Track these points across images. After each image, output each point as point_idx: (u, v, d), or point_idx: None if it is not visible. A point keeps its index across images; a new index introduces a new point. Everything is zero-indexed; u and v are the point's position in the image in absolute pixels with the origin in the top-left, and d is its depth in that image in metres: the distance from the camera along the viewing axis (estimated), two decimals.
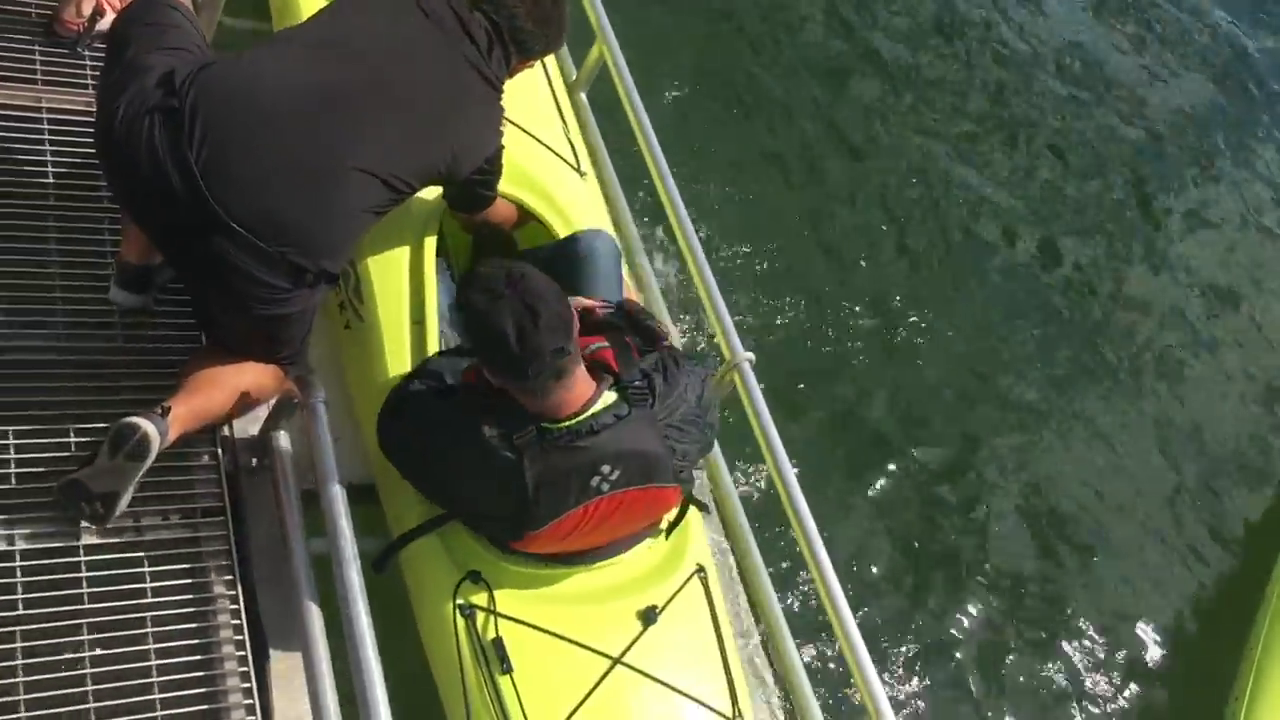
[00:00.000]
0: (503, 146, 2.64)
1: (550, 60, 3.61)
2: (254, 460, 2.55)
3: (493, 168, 2.63)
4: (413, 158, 2.41)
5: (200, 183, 2.14)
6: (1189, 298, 6.21)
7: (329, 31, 2.42)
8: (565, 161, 3.35)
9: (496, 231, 3.10)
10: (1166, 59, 7.56)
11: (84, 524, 2.25)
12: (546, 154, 3.29)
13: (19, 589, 2.15)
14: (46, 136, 2.73)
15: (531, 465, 2.19)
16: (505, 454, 2.19)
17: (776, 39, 6.05)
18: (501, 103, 2.61)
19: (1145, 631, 4.73)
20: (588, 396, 2.23)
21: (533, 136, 3.26)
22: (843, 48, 6.26)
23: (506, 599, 2.47)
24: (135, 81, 2.22)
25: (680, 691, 2.54)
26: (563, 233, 3.07)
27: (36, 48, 2.87)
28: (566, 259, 2.89)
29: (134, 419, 2.16)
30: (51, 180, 2.68)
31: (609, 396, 2.28)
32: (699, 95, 5.51)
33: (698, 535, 2.82)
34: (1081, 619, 4.65)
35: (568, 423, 2.21)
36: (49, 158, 2.70)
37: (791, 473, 2.89)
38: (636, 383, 2.33)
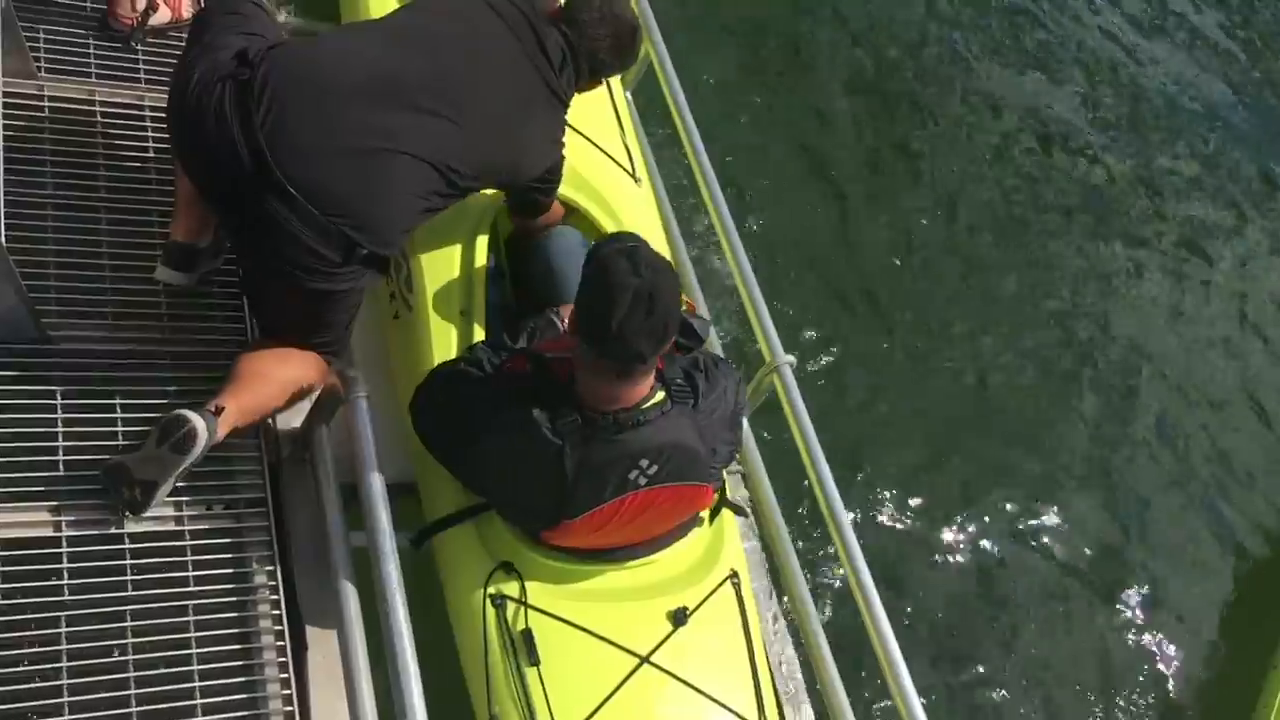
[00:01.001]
0: (563, 158, 2.69)
1: None
2: (297, 453, 2.58)
3: (553, 178, 2.69)
4: (470, 153, 2.44)
5: (263, 146, 2.19)
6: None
7: (405, 24, 2.49)
8: (621, 167, 3.37)
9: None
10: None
11: (125, 511, 2.28)
12: (603, 159, 3.32)
13: (65, 574, 2.19)
14: (99, 129, 2.77)
15: (573, 452, 2.20)
16: (550, 439, 2.20)
17: (826, 37, 6.02)
18: (565, 116, 2.67)
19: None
20: (642, 395, 2.25)
21: (590, 140, 3.29)
22: (893, 50, 6.22)
23: (538, 591, 2.49)
24: (211, 56, 2.30)
25: (707, 695, 2.54)
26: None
27: (91, 42, 2.92)
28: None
29: (185, 412, 2.20)
30: (103, 171, 2.71)
31: (658, 394, 2.29)
32: (744, 93, 5.50)
33: (732, 539, 2.82)
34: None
35: (609, 415, 2.22)
36: (100, 149, 2.74)
37: (830, 477, 2.89)
38: (679, 380, 2.35)
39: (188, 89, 2.26)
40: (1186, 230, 6.38)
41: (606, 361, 2.15)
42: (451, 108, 2.39)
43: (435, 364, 2.72)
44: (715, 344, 3.34)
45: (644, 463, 2.27)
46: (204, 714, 2.16)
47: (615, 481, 2.27)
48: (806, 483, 2.97)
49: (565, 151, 2.70)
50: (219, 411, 2.26)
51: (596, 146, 3.31)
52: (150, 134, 2.83)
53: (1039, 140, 6.33)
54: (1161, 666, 4.59)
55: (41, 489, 2.26)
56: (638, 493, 2.31)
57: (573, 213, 3.19)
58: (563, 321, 2.67)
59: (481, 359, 2.45)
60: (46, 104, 2.74)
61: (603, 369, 2.17)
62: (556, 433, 2.20)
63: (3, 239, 2.24)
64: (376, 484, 2.24)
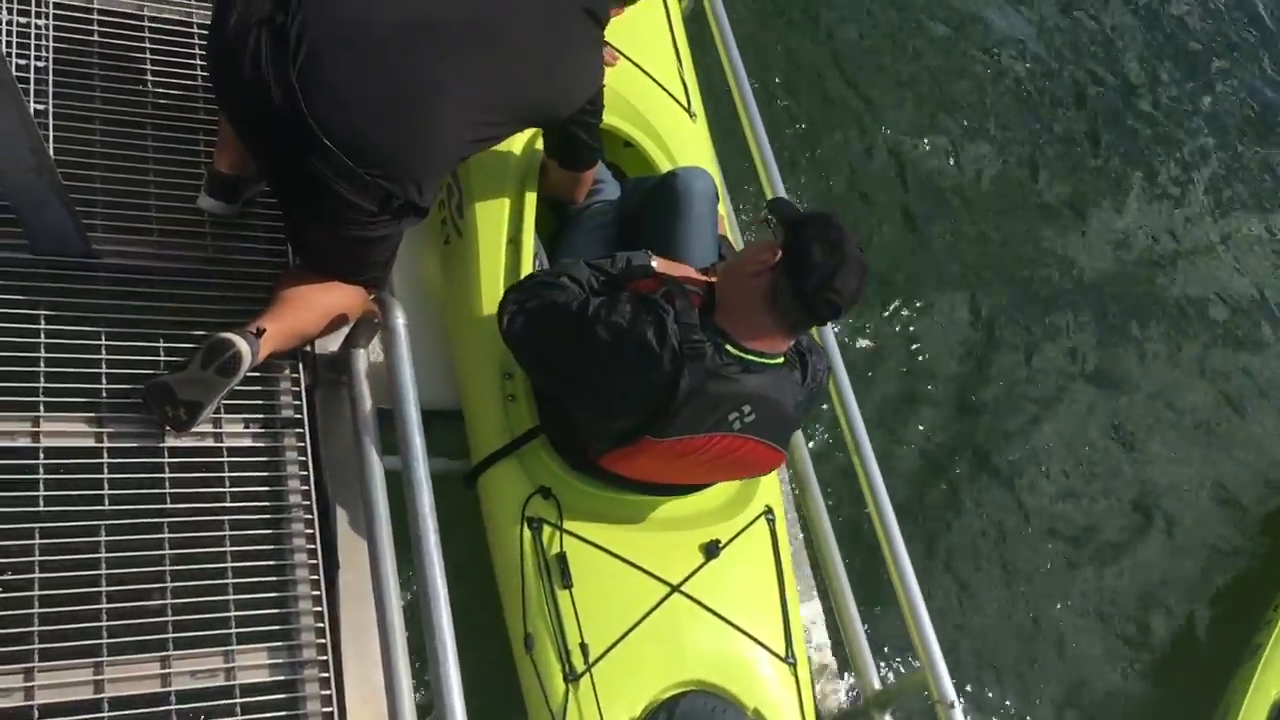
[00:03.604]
0: (603, 86, 2.62)
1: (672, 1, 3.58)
2: (334, 376, 2.60)
3: (595, 108, 2.64)
4: (510, 94, 2.42)
5: (299, 97, 2.16)
6: None
7: None
8: (676, 100, 3.33)
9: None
10: None
11: (166, 427, 2.31)
12: (659, 92, 3.29)
13: (105, 484, 2.22)
14: (147, 45, 2.77)
15: (691, 375, 2.23)
16: (676, 351, 2.22)
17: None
18: (603, 36, 2.62)
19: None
20: (779, 350, 2.33)
21: (646, 73, 3.25)
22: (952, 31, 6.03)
23: (574, 516, 2.54)
24: None
25: (735, 626, 2.58)
26: (666, 168, 3.08)
27: None
28: (665, 193, 2.91)
29: (230, 334, 2.22)
30: (150, 89, 2.71)
31: (782, 355, 2.36)
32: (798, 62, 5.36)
33: (770, 477, 2.82)
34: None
35: (743, 352, 2.27)
36: (149, 66, 2.74)
37: (865, 433, 2.92)
38: (793, 352, 2.41)
39: (223, 34, 2.22)
40: None
41: (798, 307, 2.23)
42: (490, 46, 2.35)
43: (484, 289, 2.75)
44: None
45: (746, 408, 2.31)
46: (237, 626, 2.20)
47: (716, 417, 2.30)
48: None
49: (615, 77, 2.65)
50: (260, 333, 2.28)
51: (653, 79, 3.27)
52: (198, 52, 2.81)
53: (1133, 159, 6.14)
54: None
55: (85, 400, 2.29)
56: (728, 435, 2.33)
57: (628, 147, 3.17)
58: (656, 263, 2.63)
59: (586, 273, 2.47)
60: (96, 18, 2.73)
61: (784, 312, 2.25)
62: (683, 350, 2.22)
63: (51, 153, 2.25)
64: (411, 409, 2.25)
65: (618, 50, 3.11)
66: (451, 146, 2.38)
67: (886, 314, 4.79)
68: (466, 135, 2.38)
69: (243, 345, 2.22)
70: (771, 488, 2.85)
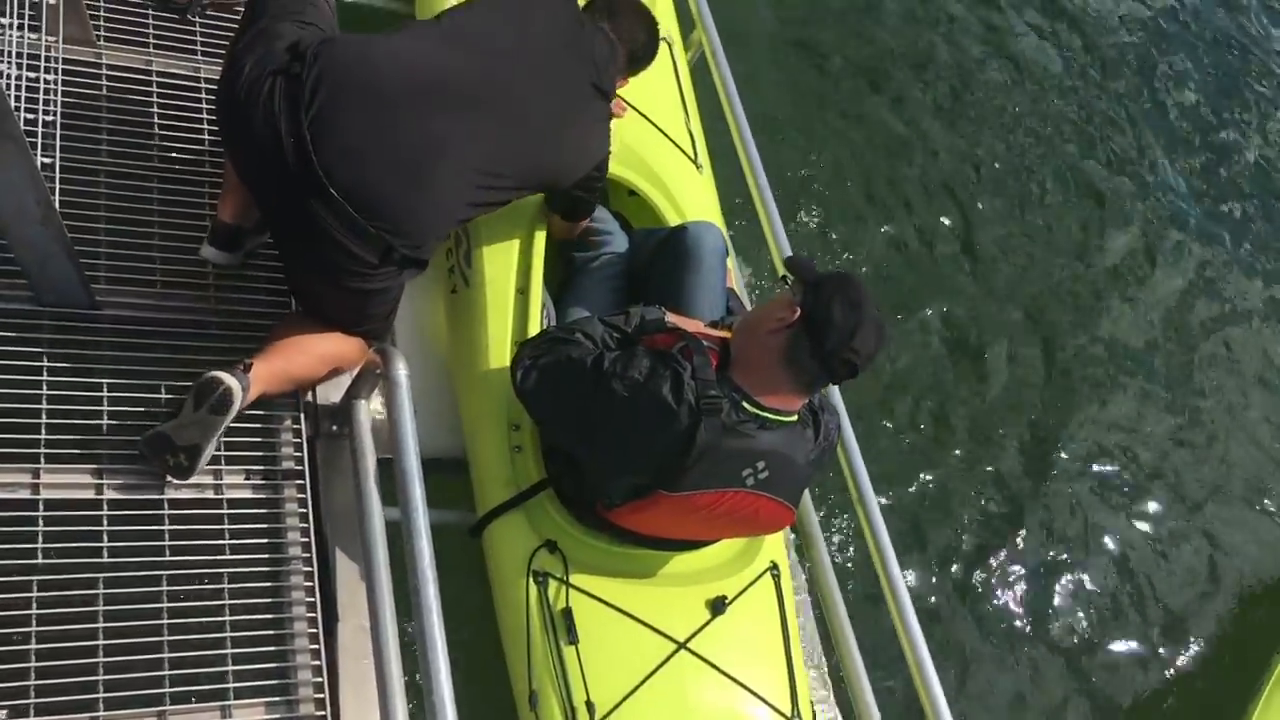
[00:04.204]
0: (609, 154, 2.70)
1: (679, 52, 3.61)
2: (335, 427, 2.59)
3: (599, 175, 2.70)
4: (513, 161, 2.46)
5: (309, 146, 2.20)
6: None
7: (460, 27, 2.48)
8: (683, 152, 3.35)
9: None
10: None
11: (168, 477, 2.30)
12: (665, 143, 3.31)
13: (104, 537, 2.21)
14: (155, 99, 2.80)
15: (707, 430, 2.22)
16: (693, 408, 2.22)
17: (887, 36, 5.93)
18: (611, 116, 2.69)
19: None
20: (794, 408, 2.33)
21: (654, 125, 3.28)
22: (956, 55, 6.11)
23: (580, 571, 2.52)
24: (264, 45, 2.30)
25: (741, 684, 2.54)
26: (674, 221, 3.10)
27: (150, 11, 2.94)
28: (675, 247, 2.93)
29: (218, 373, 2.22)
30: (157, 143, 2.74)
31: (796, 413, 2.36)
32: (796, 89, 5.43)
33: (776, 534, 2.80)
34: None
35: (759, 409, 2.27)
36: (156, 119, 2.77)
37: (866, 478, 2.89)
38: (806, 409, 2.41)
39: (238, 80, 2.26)
40: None
41: (815, 366, 2.24)
42: (498, 113, 2.39)
43: (491, 339, 2.76)
44: None
45: (760, 465, 2.30)
46: (235, 680, 2.17)
47: (729, 472, 2.29)
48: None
49: (624, 131, 2.70)
50: (249, 369, 2.28)
51: (660, 130, 3.30)
52: (205, 106, 2.84)
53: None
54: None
55: (85, 451, 2.28)
56: (741, 491, 2.32)
57: (632, 195, 3.18)
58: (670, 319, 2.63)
59: (600, 329, 2.48)
60: (104, 72, 2.77)
61: (801, 370, 2.26)
62: (700, 406, 2.22)
63: (57, 205, 2.27)
64: (412, 460, 2.23)
65: (626, 101, 3.13)
66: (453, 206, 2.41)
67: (891, 364, 4.78)
68: (467, 197, 2.41)
69: (231, 382, 2.22)
70: (776, 543, 2.82)
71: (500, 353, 2.75)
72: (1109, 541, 4.76)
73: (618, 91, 2.74)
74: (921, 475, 4.54)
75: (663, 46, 3.44)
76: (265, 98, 2.23)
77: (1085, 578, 4.61)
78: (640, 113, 3.23)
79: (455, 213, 2.44)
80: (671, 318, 2.57)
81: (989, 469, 4.70)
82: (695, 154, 3.40)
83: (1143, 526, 4.87)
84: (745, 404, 2.26)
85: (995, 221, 5.55)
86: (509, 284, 2.84)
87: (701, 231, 2.93)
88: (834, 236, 5.02)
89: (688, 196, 3.23)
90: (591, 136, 2.64)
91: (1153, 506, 4.95)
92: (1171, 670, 4.51)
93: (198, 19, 2.98)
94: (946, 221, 5.41)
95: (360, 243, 2.26)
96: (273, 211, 2.40)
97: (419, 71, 2.34)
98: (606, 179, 2.82)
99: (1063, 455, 4.90)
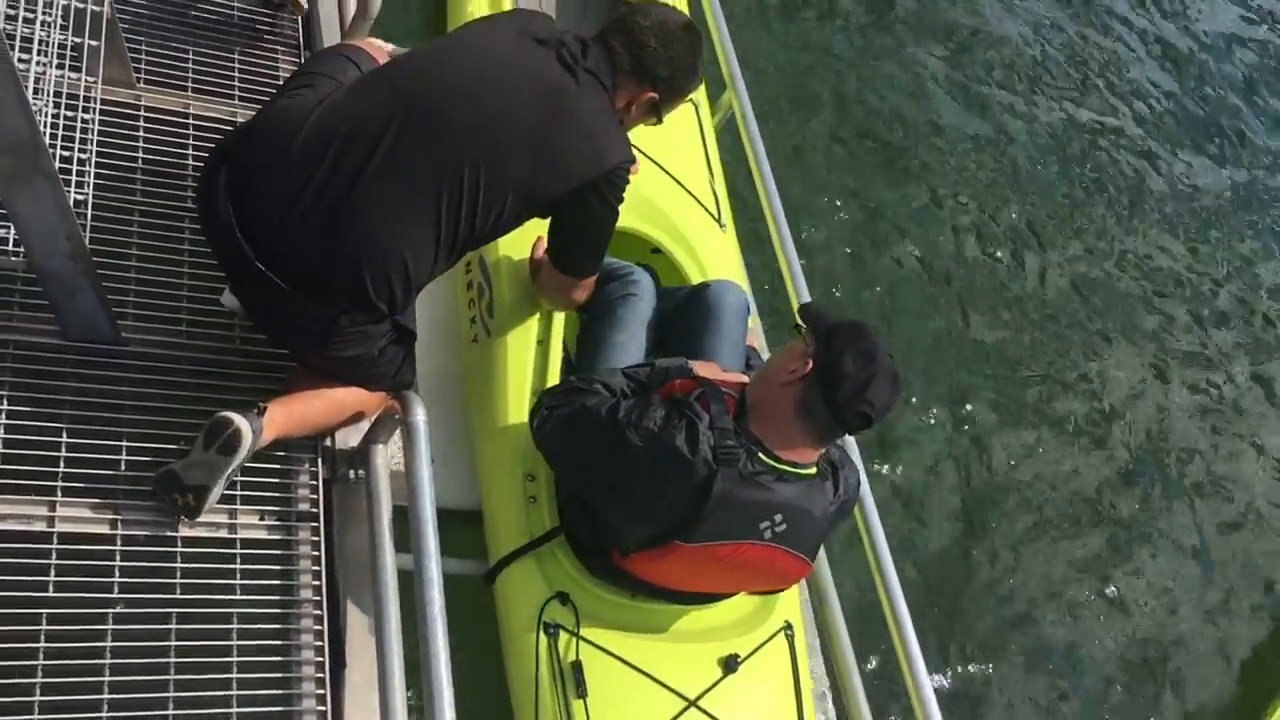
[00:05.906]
0: (621, 166, 2.44)
1: (704, 109, 3.63)
2: (351, 472, 2.58)
3: (619, 182, 2.41)
4: (473, 176, 2.27)
5: (236, 229, 2.21)
6: None
7: (418, 67, 2.35)
8: (707, 211, 3.37)
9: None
10: None
11: (180, 516, 2.30)
12: (690, 201, 3.33)
13: (116, 573, 2.21)
14: (191, 141, 2.84)
15: (724, 481, 2.21)
16: (709, 459, 2.21)
17: (912, 90, 5.97)
18: (619, 120, 2.47)
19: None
20: (810, 460, 2.31)
21: (678, 182, 3.30)
22: (983, 110, 6.17)
23: (591, 624, 2.50)
24: (239, 129, 2.31)
25: None
26: (697, 279, 3.11)
27: (190, 54, 3.00)
28: (696, 304, 2.93)
29: (229, 414, 2.22)
30: (190, 183, 2.77)
31: (814, 466, 2.34)
32: (828, 148, 5.46)
33: (791, 591, 2.77)
34: None
35: (776, 462, 2.26)
36: (190, 162, 2.81)
37: (885, 545, 2.85)
38: (825, 463, 2.40)
39: (204, 166, 2.30)
40: None
41: (828, 416, 2.21)
42: (432, 132, 2.24)
43: (511, 389, 2.75)
44: None
45: (777, 517, 2.28)
46: None
47: (746, 524, 2.28)
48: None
49: (640, 186, 2.65)
50: (262, 412, 2.28)
51: (685, 189, 3.32)
52: None
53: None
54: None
55: (102, 486, 2.29)
56: (758, 544, 2.30)
57: (655, 253, 3.20)
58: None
59: (621, 380, 2.48)
60: (142, 114, 2.82)
61: (814, 422, 2.24)
62: (716, 456, 2.21)
63: (88, 241, 2.29)
64: (427, 506, 2.22)
65: (649, 156, 3.15)
66: (388, 243, 2.23)
67: (912, 418, 4.77)
68: (411, 229, 2.25)
69: (242, 423, 2.20)
70: (791, 602, 2.79)
71: (519, 403, 2.75)
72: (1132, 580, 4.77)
73: (645, 150, 2.64)
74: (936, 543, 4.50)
75: (690, 108, 3.48)
76: (209, 187, 2.26)
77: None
78: (665, 170, 3.25)
79: (423, 269, 2.30)
80: (695, 365, 2.57)
81: (1001, 538, 4.67)
82: (719, 213, 3.42)
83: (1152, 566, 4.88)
84: (762, 455, 2.25)
85: (1024, 288, 5.56)
86: (530, 335, 2.85)
87: (724, 290, 2.93)
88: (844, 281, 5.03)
89: (711, 254, 3.24)
90: (592, 132, 2.36)
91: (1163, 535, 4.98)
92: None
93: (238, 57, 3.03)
94: (972, 280, 5.42)
95: (310, 311, 2.25)
96: (248, 295, 2.38)
97: (325, 122, 2.24)
98: (625, 231, 2.77)
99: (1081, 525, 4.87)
